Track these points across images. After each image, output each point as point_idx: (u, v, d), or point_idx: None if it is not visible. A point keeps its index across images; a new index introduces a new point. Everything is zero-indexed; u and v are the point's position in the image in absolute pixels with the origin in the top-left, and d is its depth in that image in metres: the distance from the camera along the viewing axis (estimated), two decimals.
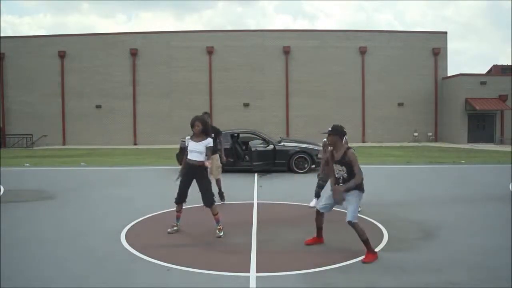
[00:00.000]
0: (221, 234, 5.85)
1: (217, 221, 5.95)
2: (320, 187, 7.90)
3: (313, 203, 7.91)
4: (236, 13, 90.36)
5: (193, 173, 5.97)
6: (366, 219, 6.75)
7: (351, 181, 4.99)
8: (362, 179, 5.06)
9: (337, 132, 5.15)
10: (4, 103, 30.46)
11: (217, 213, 5.97)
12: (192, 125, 5.98)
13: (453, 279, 4.23)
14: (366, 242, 4.90)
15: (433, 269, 4.56)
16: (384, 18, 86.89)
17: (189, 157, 5.96)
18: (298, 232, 6.10)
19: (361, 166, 5.07)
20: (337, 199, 5.11)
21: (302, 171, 12.77)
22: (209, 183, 6.03)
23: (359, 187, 5.10)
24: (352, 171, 5.04)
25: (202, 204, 6.08)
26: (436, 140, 30.33)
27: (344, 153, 5.07)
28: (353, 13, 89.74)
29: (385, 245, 5.45)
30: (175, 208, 6.18)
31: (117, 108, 30.27)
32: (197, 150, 5.90)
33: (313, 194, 7.97)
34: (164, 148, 24.16)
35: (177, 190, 6.08)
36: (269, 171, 12.76)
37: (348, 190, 4.99)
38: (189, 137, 6.14)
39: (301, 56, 30.15)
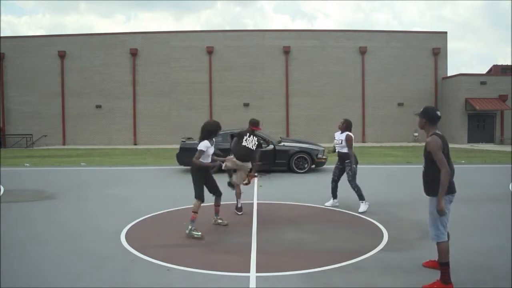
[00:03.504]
0: (226, 222, 6.33)
1: (217, 212, 6.35)
2: (333, 181, 7.81)
3: (329, 203, 7.86)
4: (234, 13, 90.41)
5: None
6: (366, 219, 6.76)
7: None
8: (448, 176, 3.90)
9: (425, 115, 4.13)
10: (4, 103, 30.45)
11: (219, 205, 6.35)
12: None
13: (453, 279, 4.22)
14: (442, 265, 4.06)
15: (433, 269, 4.55)
16: (382, 18, 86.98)
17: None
18: (298, 232, 6.11)
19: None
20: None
21: (302, 171, 12.77)
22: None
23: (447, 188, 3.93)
24: (430, 165, 4.01)
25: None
26: None
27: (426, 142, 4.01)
28: (351, 12, 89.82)
29: (385, 245, 5.45)
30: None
31: (117, 108, 30.27)
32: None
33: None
34: (164, 148, 24.16)
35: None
36: (269, 171, 12.76)
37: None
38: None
39: (301, 56, 30.13)
